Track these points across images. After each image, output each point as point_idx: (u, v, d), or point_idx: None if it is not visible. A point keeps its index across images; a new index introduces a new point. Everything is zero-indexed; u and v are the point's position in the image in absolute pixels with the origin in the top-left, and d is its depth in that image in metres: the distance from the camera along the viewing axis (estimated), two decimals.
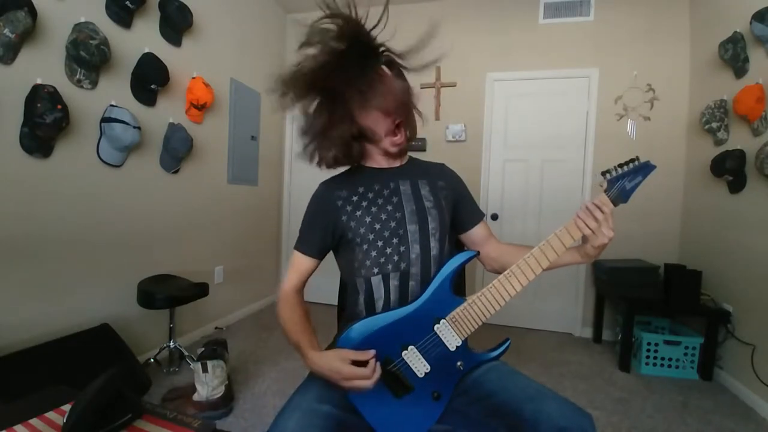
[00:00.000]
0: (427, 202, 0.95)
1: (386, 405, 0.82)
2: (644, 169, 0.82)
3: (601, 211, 0.80)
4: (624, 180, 0.82)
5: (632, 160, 0.82)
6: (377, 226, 0.91)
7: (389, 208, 0.93)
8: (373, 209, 0.92)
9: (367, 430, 0.81)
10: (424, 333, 0.84)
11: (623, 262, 2.49)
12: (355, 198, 0.94)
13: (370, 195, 0.94)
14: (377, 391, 0.81)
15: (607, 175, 0.82)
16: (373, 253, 0.90)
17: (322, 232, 0.96)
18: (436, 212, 0.94)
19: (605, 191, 0.82)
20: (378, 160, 0.99)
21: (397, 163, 1.00)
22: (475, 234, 1.05)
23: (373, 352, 0.80)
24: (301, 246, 0.97)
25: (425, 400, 0.83)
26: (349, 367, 0.77)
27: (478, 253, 0.92)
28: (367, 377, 0.77)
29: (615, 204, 0.82)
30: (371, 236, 0.91)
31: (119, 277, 1.91)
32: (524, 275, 0.83)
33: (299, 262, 0.97)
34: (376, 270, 0.90)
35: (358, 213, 0.92)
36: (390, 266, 0.90)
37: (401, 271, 0.89)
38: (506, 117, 2.94)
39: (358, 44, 0.85)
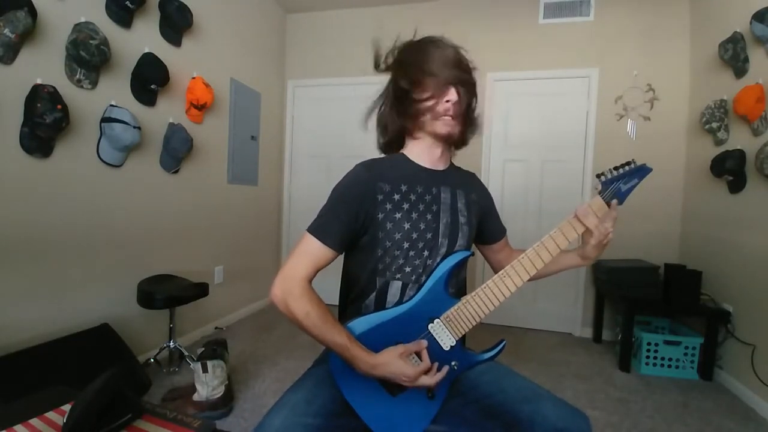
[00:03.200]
0: (461, 217, 0.93)
1: (382, 404, 0.82)
2: (640, 171, 0.83)
3: (596, 215, 0.82)
4: (619, 182, 0.82)
5: (628, 163, 0.83)
6: (414, 235, 0.86)
7: (428, 216, 0.89)
8: (414, 215, 0.87)
9: (358, 430, 0.81)
10: (418, 332, 0.84)
11: (623, 262, 2.49)
12: (396, 197, 0.88)
13: (412, 197, 0.89)
14: (373, 390, 0.82)
15: (602, 177, 0.83)
16: (401, 261, 0.87)
17: (352, 221, 0.85)
18: (467, 229, 0.94)
19: (599, 193, 0.83)
20: (420, 154, 0.94)
21: (440, 166, 0.96)
22: (496, 246, 1.08)
23: (425, 342, 0.81)
24: (322, 234, 0.84)
25: (420, 400, 0.83)
26: (414, 367, 0.78)
27: (472, 253, 0.92)
28: (428, 370, 0.79)
29: (609, 206, 0.83)
30: (406, 244, 0.86)
31: (119, 277, 1.91)
32: (518, 276, 0.84)
33: (316, 253, 0.84)
34: (398, 276, 0.87)
35: (398, 216, 0.87)
36: (413, 276, 0.87)
37: (420, 283, 0.87)
38: (506, 117, 2.94)
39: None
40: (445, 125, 0.88)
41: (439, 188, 0.92)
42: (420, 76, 0.86)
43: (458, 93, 0.87)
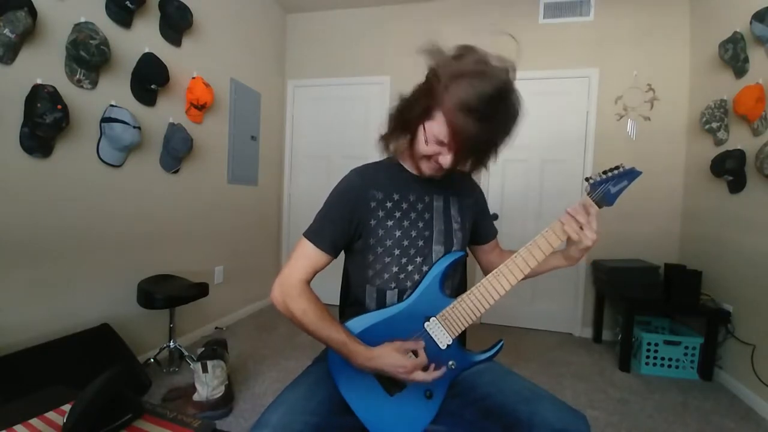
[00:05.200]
0: (455, 223, 0.94)
1: (379, 404, 0.82)
2: (629, 174, 0.84)
3: (586, 212, 0.81)
4: (608, 184, 0.83)
5: (617, 167, 0.84)
6: (405, 243, 0.88)
7: (420, 224, 0.89)
8: (405, 223, 0.88)
9: (356, 429, 0.81)
10: (414, 330, 0.84)
11: (623, 262, 2.49)
12: (389, 204, 0.89)
13: (404, 206, 0.90)
14: (370, 389, 0.82)
15: (590, 180, 0.84)
16: (394, 268, 0.88)
17: (345, 226, 0.87)
18: (461, 235, 0.94)
19: (588, 194, 0.84)
20: (414, 166, 0.92)
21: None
22: (487, 246, 1.09)
23: (422, 342, 0.82)
24: (317, 239, 0.86)
25: (418, 400, 0.83)
26: (411, 359, 0.78)
27: (466, 253, 0.93)
28: (425, 365, 0.80)
29: (599, 206, 0.83)
30: (397, 251, 0.87)
31: (119, 277, 1.91)
32: (512, 274, 0.84)
33: (312, 256, 0.86)
34: (393, 284, 0.88)
35: (389, 223, 0.88)
36: (408, 283, 0.88)
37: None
38: None
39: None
40: (430, 169, 0.85)
41: (431, 196, 0.93)
42: (440, 128, 0.76)
43: (469, 157, 0.82)
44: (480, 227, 1.06)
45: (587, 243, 0.82)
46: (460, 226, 0.94)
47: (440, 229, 0.91)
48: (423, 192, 0.92)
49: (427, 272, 0.88)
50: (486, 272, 1.06)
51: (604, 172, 0.84)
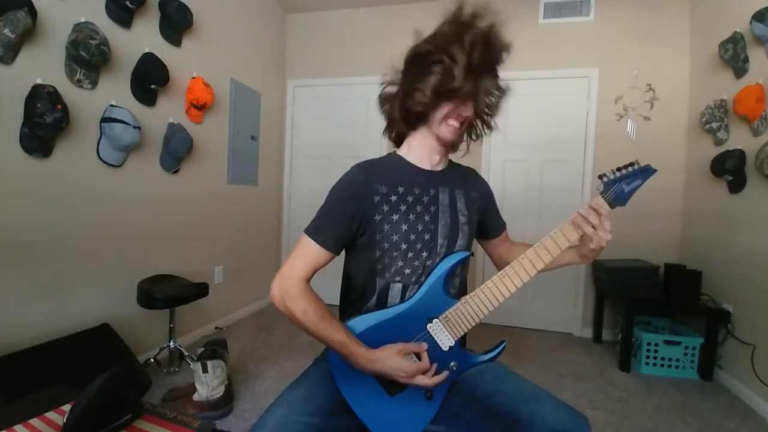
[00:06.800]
0: (461, 217, 0.93)
1: (380, 404, 0.82)
2: (644, 172, 0.82)
3: (597, 214, 0.80)
4: (621, 183, 0.81)
5: (631, 164, 0.82)
6: (412, 237, 0.87)
7: (426, 218, 0.88)
8: (411, 217, 0.87)
9: (355, 430, 0.81)
10: (416, 331, 0.84)
11: (623, 262, 2.49)
12: (393, 198, 0.88)
13: (410, 199, 0.89)
14: (371, 389, 0.82)
15: (604, 178, 0.82)
16: (400, 263, 0.87)
17: (348, 223, 0.86)
18: (467, 229, 0.94)
19: (601, 194, 0.82)
20: (420, 156, 0.94)
21: (439, 166, 0.95)
22: (496, 240, 1.09)
23: (425, 345, 0.82)
24: (318, 236, 0.84)
25: (418, 400, 0.83)
26: (411, 364, 0.78)
27: (472, 254, 0.92)
28: (427, 369, 0.79)
29: (612, 206, 0.81)
30: (404, 246, 0.86)
31: (119, 277, 1.91)
32: (518, 276, 0.83)
33: (313, 254, 0.85)
34: (398, 278, 0.87)
35: (395, 217, 0.87)
36: (413, 278, 0.88)
37: (420, 284, 0.87)
38: (506, 117, 2.94)
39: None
40: (450, 132, 0.88)
41: (437, 189, 0.92)
42: (442, 80, 0.81)
43: (477, 106, 0.86)
44: (489, 221, 1.06)
45: (601, 243, 0.82)
46: (466, 220, 0.94)
47: (446, 222, 0.91)
48: (428, 185, 0.92)
49: (431, 267, 0.87)
50: (498, 266, 1.07)
51: (618, 170, 0.82)
